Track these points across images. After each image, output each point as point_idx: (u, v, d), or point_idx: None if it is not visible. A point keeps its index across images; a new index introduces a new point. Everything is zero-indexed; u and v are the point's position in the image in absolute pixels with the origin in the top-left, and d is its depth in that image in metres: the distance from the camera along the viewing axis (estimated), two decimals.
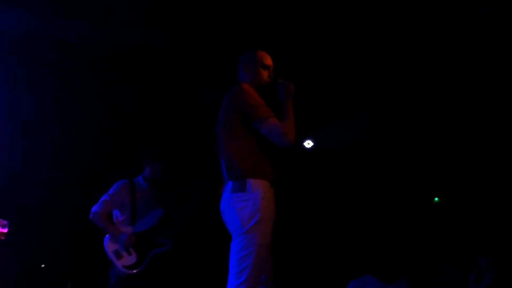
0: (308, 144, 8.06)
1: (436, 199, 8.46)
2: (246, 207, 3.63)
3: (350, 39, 6.47)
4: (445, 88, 7.10)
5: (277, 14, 6.07)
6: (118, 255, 5.00)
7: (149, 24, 6.14)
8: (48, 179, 6.83)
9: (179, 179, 5.94)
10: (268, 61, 4.06)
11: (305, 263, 7.45)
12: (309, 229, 7.68)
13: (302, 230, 7.46)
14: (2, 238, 5.70)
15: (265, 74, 4.03)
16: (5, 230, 5.74)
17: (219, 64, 6.48)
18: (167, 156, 5.27)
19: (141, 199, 5.20)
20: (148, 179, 5.26)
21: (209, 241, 7.16)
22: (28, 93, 6.79)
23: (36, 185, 6.82)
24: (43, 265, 6.88)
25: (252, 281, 3.54)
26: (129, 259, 5.00)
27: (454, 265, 6.49)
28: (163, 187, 5.33)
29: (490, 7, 5.84)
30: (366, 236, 7.69)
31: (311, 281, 7.45)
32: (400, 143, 8.00)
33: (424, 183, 8.23)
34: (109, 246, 5.05)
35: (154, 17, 6.07)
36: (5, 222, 5.73)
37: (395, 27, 6.20)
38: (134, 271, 4.98)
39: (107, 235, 5.06)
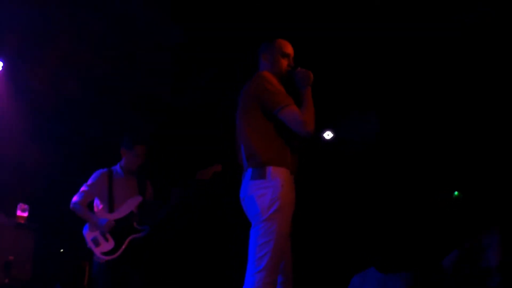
0: (328, 135, 8.12)
1: (456, 193, 8.50)
2: (266, 195, 3.62)
3: (364, 38, 6.55)
4: (453, 85, 7.15)
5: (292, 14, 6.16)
6: (96, 243, 5.08)
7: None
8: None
9: (160, 169, 5.91)
10: (288, 49, 4.03)
11: (312, 255, 7.59)
12: (317, 221, 7.81)
13: (311, 222, 7.54)
14: (23, 222, 5.78)
15: (284, 62, 4.00)
16: (26, 214, 5.81)
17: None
18: (139, 146, 5.32)
19: (118, 187, 5.26)
20: (124, 168, 5.31)
21: (214, 236, 7.39)
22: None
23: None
24: (61, 250, 7.10)
25: (272, 269, 3.55)
26: (106, 245, 5.08)
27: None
28: (143, 176, 5.42)
29: (490, 7, 5.88)
30: (370, 231, 7.80)
31: (316, 274, 7.60)
32: (406, 141, 8.15)
33: (429, 180, 8.33)
34: (88, 234, 5.13)
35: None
36: (25, 206, 5.81)
37: (406, 27, 6.29)
38: (112, 256, 5.05)
39: (86, 224, 5.15)
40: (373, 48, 6.66)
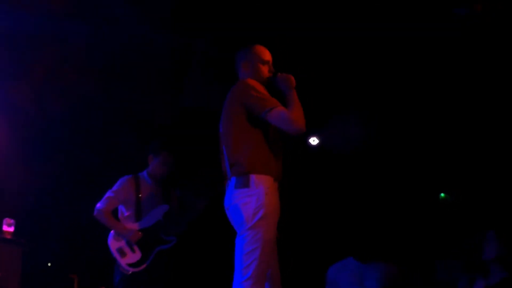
0: (314, 141, 8.14)
1: (442, 195, 8.55)
2: (250, 203, 3.64)
3: (352, 38, 6.52)
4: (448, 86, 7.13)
5: (281, 14, 6.13)
6: (122, 253, 5.01)
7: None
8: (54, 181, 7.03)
9: (185, 176, 5.86)
10: (267, 55, 4.03)
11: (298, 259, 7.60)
12: (302, 223, 7.83)
13: (297, 223, 7.55)
14: (9, 237, 5.74)
15: (265, 69, 4.00)
16: (12, 229, 5.78)
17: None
18: (168, 152, 5.26)
19: (146, 194, 5.20)
20: (152, 175, 5.23)
21: (214, 238, 7.21)
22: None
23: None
24: (49, 264, 6.98)
25: (258, 276, 3.57)
26: (133, 256, 5.01)
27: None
28: (168, 183, 5.34)
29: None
30: (351, 224, 7.64)
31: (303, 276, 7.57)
32: (394, 142, 8.11)
33: (416, 179, 8.29)
34: (113, 244, 5.06)
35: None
36: (11, 221, 5.77)
37: (397, 27, 6.23)
38: (138, 269, 5.00)
39: (111, 232, 5.06)
40: (373, 47, 6.74)
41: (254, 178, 3.67)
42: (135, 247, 4.99)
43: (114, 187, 5.12)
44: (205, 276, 7.66)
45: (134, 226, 5.02)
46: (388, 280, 5.59)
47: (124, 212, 5.12)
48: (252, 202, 3.63)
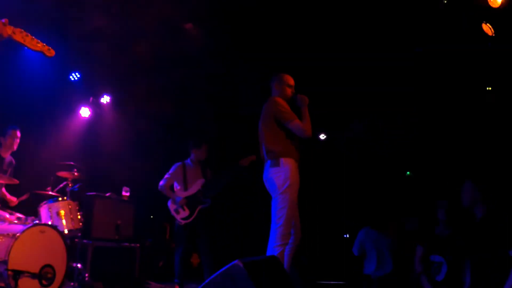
0: (323, 136, 8.28)
1: (408, 173, 8.52)
2: (280, 177, 3.86)
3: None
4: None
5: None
6: (177, 211, 5.50)
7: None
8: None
9: (216, 161, 6.35)
10: (291, 82, 4.31)
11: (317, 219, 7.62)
12: (316, 196, 7.72)
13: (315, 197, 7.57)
14: (126, 199, 6.23)
15: (289, 91, 4.27)
16: (128, 194, 6.27)
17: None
18: (205, 145, 5.75)
19: (189, 174, 5.67)
20: (193, 161, 5.76)
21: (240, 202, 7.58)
22: None
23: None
24: (151, 216, 7.65)
25: (286, 224, 3.80)
26: (183, 213, 5.47)
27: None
28: (204, 165, 5.81)
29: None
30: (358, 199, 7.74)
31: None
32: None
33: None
34: (171, 206, 5.57)
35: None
36: (127, 188, 6.27)
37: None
38: (187, 221, 5.43)
39: (169, 199, 5.59)
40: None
41: (283, 160, 3.91)
42: (185, 207, 5.48)
43: (170, 171, 5.72)
44: (237, 228, 7.96)
45: (183, 194, 5.57)
46: (393, 244, 5.78)
47: (176, 186, 5.70)
48: (281, 176, 3.86)
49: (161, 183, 5.58)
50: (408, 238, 5.92)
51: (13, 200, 5.22)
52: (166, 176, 5.62)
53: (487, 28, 5.05)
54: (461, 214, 4.72)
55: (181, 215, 5.44)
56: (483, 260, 3.57)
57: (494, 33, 5.04)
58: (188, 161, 5.73)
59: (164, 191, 5.56)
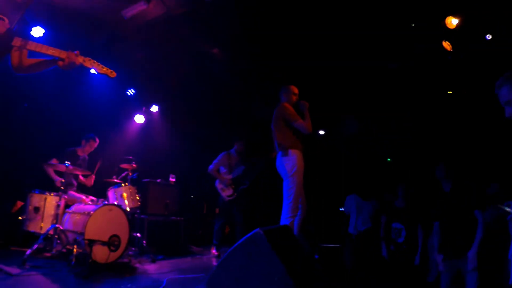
0: (321, 132, 8.29)
1: (389, 159, 8.43)
2: (289, 164, 3.95)
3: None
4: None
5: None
6: (223, 190, 5.54)
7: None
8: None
9: (253, 152, 6.31)
10: (296, 91, 4.36)
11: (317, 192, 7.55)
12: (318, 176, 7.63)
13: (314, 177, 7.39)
14: (173, 184, 6.26)
15: (294, 98, 4.33)
16: (174, 180, 6.30)
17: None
18: (244, 140, 5.78)
19: (233, 160, 5.69)
20: (237, 151, 5.77)
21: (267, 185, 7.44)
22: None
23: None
24: (192, 196, 7.54)
25: (295, 201, 3.88)
26: (228, 191, 5.51)
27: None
28: (244, 155, 5.82)
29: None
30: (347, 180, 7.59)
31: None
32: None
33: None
34: (218, 185, 5.61)
35: None
36: (173, 175, 6.29)
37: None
38: (231, 198, 5.47)
39: (217, 180, 5.62)
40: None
41: (291, 151, 3.99)
42: (229, 187, 5.51)
43: (218, 157, 5.75)
44: (264, 204, 7.87)
45: (228, 177, 5.58)
46: (374, 210, 5.71)
47: (222, 169, 5.71)
48: (290, 163, 3.94)
49: (210, 167, 5.61)
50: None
51: (88, 184, 5.31)
52: (214, 161, 5.65)
53: (446, 44, 4.96)
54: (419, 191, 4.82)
55: (226, 193, 5.44)
56: (453, 222, 3.49)
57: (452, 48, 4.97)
58: (232, 151, 5.75)
59: (212, 173, 5.60)
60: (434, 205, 3.72)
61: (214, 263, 4.95)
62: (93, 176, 5.27)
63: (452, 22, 4.62)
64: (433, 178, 3.72)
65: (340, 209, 6.27)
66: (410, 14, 4.83)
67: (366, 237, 5.47)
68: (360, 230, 5.61)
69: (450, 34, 4.84)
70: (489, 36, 4.64)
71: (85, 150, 5.34)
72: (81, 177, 5.34)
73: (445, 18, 4.64)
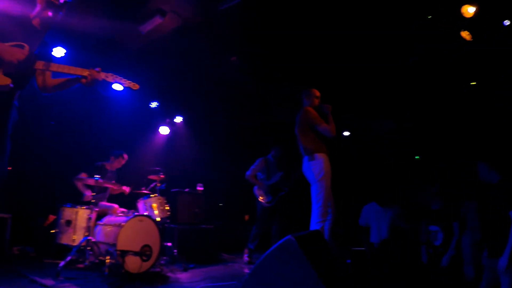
0: (346, 133, 8.16)
1: (417, 157, 8.12)
2: (316, 168, 3.94)
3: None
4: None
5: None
6: (262, 196, 5.48)
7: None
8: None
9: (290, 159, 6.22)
10: (318, 93, 4.34)
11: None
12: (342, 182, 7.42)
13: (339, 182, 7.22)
14: (200, 192, 6.26)
15: (316, 101, 4.32)
16: (201, 189, 6.29)
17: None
18: (280, 148, 5.70)
19: (271, 167, 5.63)
20: (274, 156, 5.71)
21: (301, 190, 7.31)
22: None
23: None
24: (220, 204, 7.56)
25: (324, 205, 3.86)
26: (267, 198, 5.45)
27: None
28: (281, 161, 5.74)
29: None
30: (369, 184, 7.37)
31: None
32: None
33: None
34: (257, 192, 5.56)
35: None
36: (201, 185, 6.28)
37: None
38: (270, 204, 5.40)
39: (255, 186, 5.58)
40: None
41: (317, 155, 3.98)
42: (268, 193, 5.45)
43: (255, 163, 5.70)
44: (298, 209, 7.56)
45: (266, 183, 5.51)
46: (394, 218, 5.57)
47: (260, 176, 5.68)
48: (317, 167, 3.93)
49: (247, 173, 5.59)
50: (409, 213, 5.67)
51: (125, 192, 5.29)
52: (251, 167, 5.62)
53: (465, 34, 4.78)
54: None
55: (265, 199, 5.41)
56: (489, 221, 3.43)
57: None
58: (269, 156, 5.72)
59: (250, 179, 5.58)
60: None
61: (246, 270, 4.93)
62: (129, 187, 5.27)
63: (469, 10, 4.43)
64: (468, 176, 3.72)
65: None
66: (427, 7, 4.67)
67: (389, 245, 5.33)
68: (383, 239, 5.50)
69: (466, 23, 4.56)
70: (507, 22, 4.44)
71: (113, 166, 5.46)
72: (113, 189, 5.35)
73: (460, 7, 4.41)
